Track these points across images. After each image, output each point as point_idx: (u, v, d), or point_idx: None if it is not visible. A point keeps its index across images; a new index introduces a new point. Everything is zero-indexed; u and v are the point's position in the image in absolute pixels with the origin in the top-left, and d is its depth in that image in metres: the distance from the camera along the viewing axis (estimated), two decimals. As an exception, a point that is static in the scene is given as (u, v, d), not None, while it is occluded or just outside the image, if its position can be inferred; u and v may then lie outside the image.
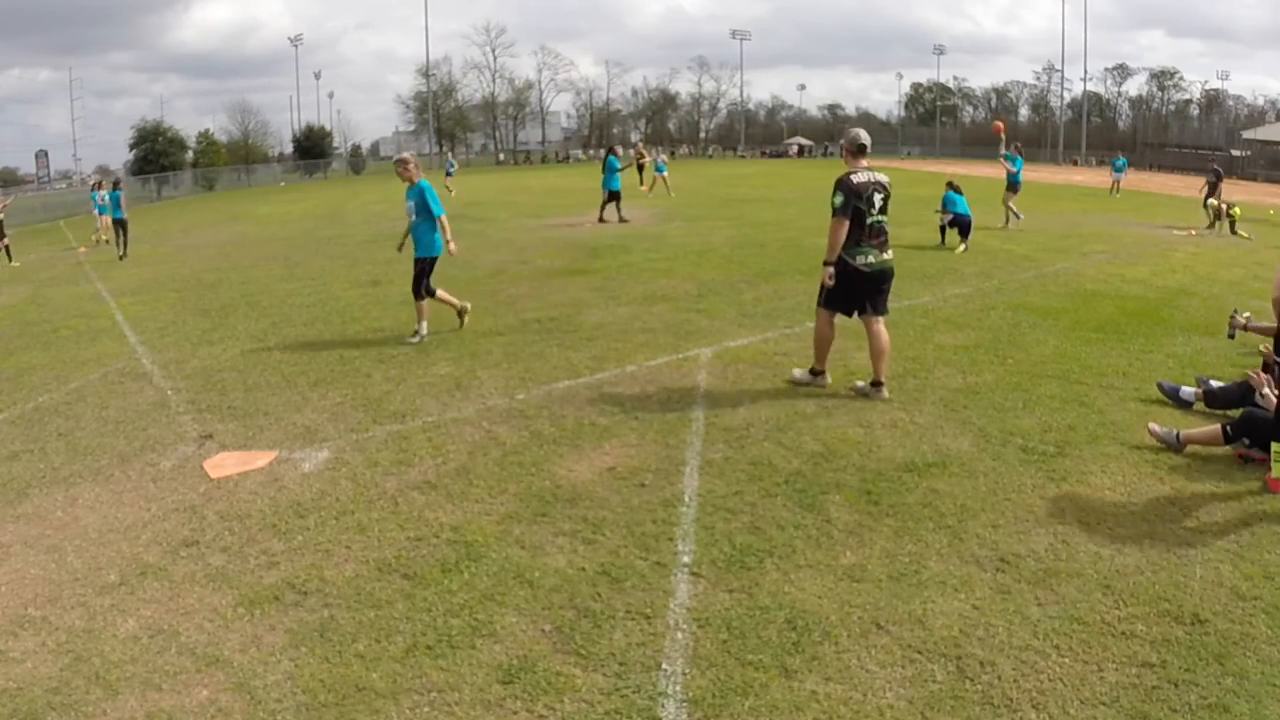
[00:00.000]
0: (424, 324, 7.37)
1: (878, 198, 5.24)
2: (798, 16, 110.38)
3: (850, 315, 5.47)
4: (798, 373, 5.87)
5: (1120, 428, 4.85)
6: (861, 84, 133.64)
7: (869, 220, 5.21)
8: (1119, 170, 26.30)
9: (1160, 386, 5.35)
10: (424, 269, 7.27)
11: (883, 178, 5.31)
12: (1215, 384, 5.22)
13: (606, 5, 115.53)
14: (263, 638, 3.02)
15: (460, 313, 7.64)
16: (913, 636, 2.92)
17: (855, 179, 5.19)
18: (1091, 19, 73.29)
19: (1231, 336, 5.18)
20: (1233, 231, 14.86)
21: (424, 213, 7.16)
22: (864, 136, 5.40)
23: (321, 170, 63.22)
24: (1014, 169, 15.28)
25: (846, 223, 5.13)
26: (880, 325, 5.39)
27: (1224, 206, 15.36)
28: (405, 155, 7.41)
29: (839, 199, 5.15)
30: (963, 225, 12.64)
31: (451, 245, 7.30)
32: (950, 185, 13.53)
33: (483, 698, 2.66)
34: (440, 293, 7.42)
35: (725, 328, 7.55)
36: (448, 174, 28.59)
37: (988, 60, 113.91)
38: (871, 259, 5.24)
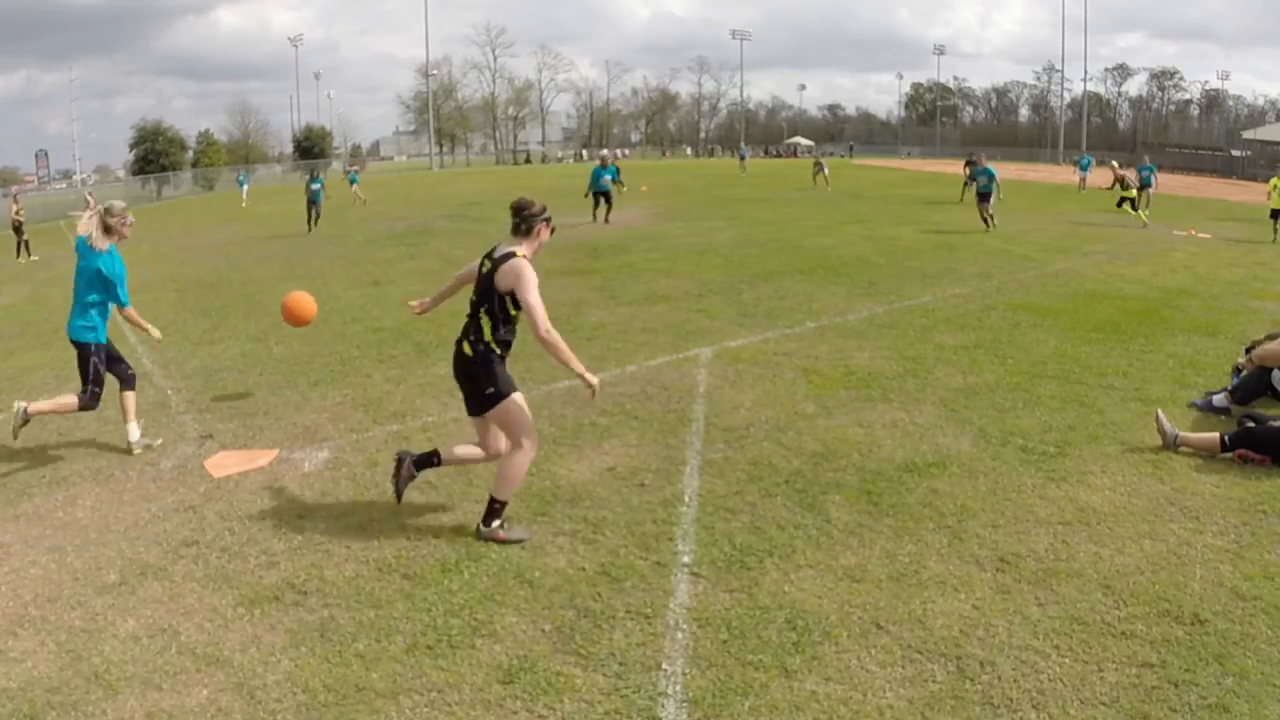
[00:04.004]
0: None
1: None
2: (791, 20, 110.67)
3: None
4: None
5: (1120, 428, 4.85)
6: (859, 85, 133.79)
7: None
8: (1084, 169, 27.28)
9: (1195, 405, 5.23)
10: None
11: None
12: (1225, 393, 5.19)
13: (604, 10, 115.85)
14: (263, 638, 3.02)
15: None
16: (913, 636, 2.92)
17: None
18: (1087, 21, 73.16)
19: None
20: (1119, 205, 17.13)
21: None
22: None
23: (322, 170, 63.17)
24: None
25: None
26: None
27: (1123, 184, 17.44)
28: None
29: None
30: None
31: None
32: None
33: (483, 698, 2.66)
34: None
35: (725, 328, 7.54)
36: (351, 183, 27.95)
37: (986, 63, 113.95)
38: None
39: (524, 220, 3.65)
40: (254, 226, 20.59)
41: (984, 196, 15.37)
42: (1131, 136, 63.39)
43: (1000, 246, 12.78)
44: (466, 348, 3.57)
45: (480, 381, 3.58)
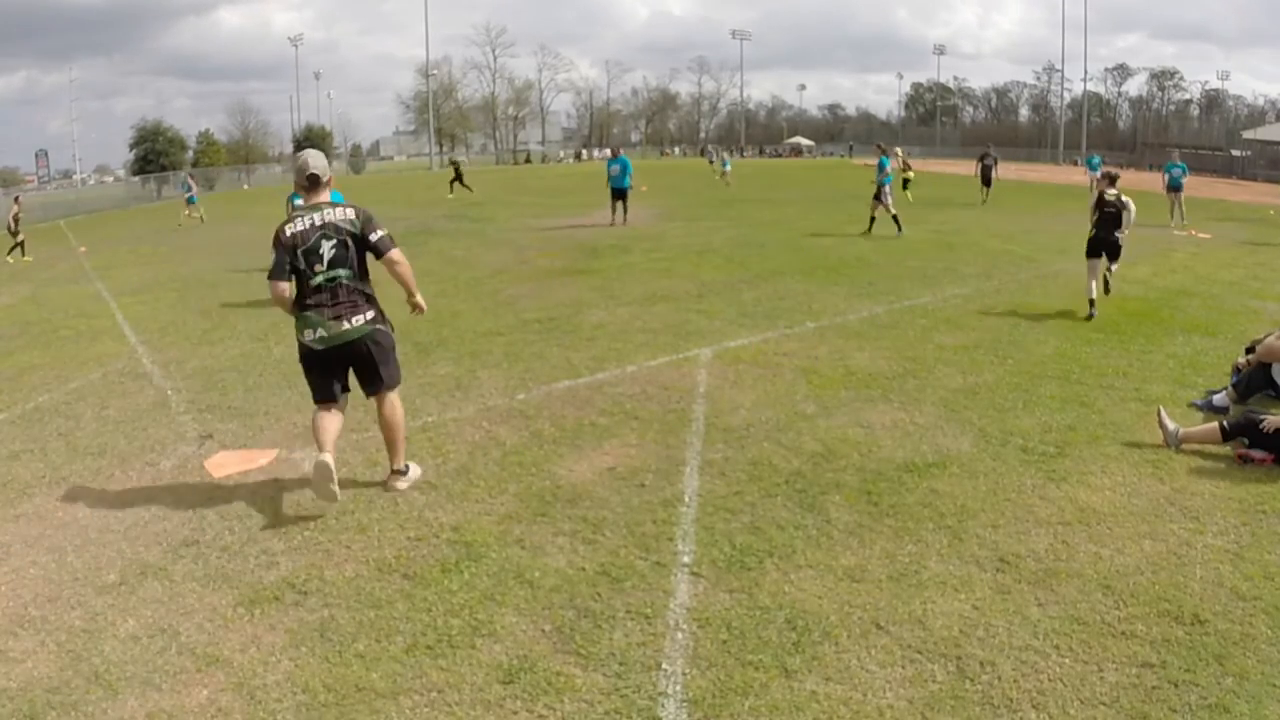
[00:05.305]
0: None
1: (327, 247, 3.90)
2: (791, 20, 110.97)
3: (333, 400, 4.14)
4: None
5: (1120, 428, 4.85)
6: (859, 85, 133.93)
7: (315, 279, 3.92)
8: (1094, 169, 27.29)
9: (1195, 405, 5.23)
10: None
11: (339, 215, 3.95)
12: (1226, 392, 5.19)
13: (604, 10, 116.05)
14: (263, 638, 3.02)
15: None
16: (913, 636, 2.92)
17: (288, 229, 3.92)
18: (1087, 21, 73.20)
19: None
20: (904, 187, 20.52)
21: None
22: (313, 163, 4.01)
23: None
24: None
25: (284, 286, 3.94)
26: (389, 398, 4.17)
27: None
28: None
29: (272, 259, 4.00)
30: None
31: None
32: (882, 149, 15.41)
33: (483, 698, 2.66)
34: None
35: (725, 328, 7.54)
36: (189, 202, 23.46)
37: (986, 63, 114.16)
38: (321, 332, 3.94)
39: (1112, 178, 7.94)
40: (255, 227, 20.57)
41: (880, 190, 13.85)
42: (1131, 136, 63.47)
43: (1000, 247, 12.78)
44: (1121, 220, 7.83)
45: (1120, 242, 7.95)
